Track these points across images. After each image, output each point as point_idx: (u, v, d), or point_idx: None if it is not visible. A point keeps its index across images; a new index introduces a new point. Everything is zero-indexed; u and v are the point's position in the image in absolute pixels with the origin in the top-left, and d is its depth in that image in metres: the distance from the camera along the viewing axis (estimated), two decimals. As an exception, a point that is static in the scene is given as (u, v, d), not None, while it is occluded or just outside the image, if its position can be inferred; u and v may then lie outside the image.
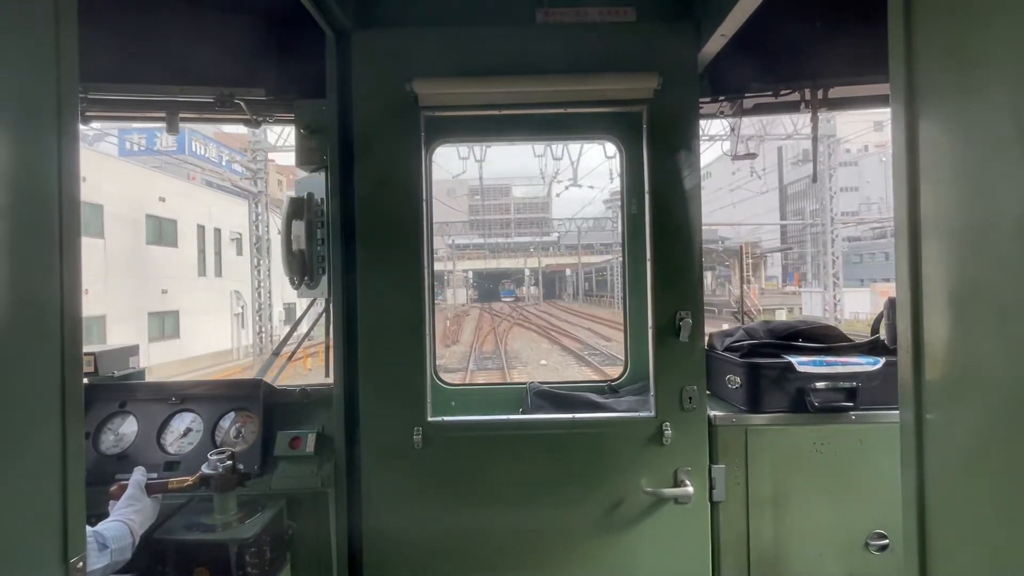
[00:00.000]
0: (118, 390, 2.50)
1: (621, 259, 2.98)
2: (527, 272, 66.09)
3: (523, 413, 2.72)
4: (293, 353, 2.90)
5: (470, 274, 69.42)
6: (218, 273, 27.40)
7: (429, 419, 2.31)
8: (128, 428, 2.41)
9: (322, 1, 2.13)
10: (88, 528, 1.58)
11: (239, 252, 28.55)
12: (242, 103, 2.70)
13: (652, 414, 2.31)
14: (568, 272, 70.38)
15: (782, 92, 2.74)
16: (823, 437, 2.31)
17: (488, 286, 79.28)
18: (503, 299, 70.56)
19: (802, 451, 2.31)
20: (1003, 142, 0.82)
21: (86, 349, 2.50)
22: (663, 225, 2.32)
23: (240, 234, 27.85)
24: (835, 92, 2.75)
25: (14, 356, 0.91)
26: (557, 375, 17.87)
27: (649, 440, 2.30)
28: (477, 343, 27.12)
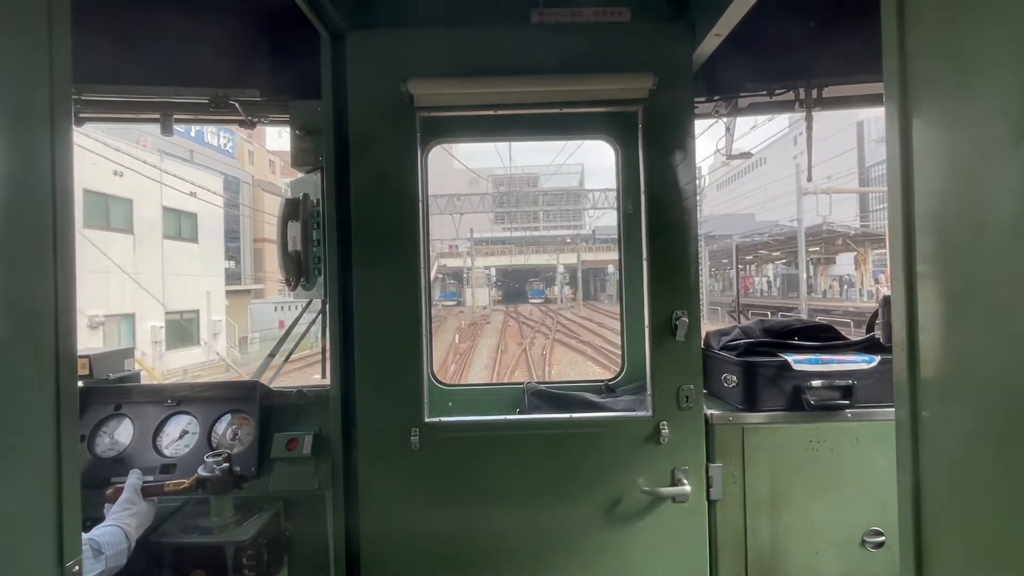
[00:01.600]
0: (113, 393, 2.49)
1: (618, 257, 2.99)
2: (561, 268, 56.82)
3: (520, 413, 2.72)
4: (288, 356, 2.89)
5: (492, 271, 60.15)
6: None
7: (426, 420, 2.31)
8: (123, 431, 2.40)
9: (317, 2, 2.12)
10: (83, 535, 1.57)
11: None
12: (237, 104, 2.69)
13: (649, 413, 2.32)
14: (611, 268, 57.24)
15: (776, 91, 2.75)
16: (819, 435, 2.32)
17: (514, 285, 67.96)
18: (531, 300, 61.18)
19: (798, 449, 2.32)
20: (996, 141, 0.83)
21: (81, 352, 2.48)
22: (659, 225, 2.33)
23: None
24: (829, 91, 2.77)
25: (7, 358, 0.90)
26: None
27: (646, 439, 2.30)
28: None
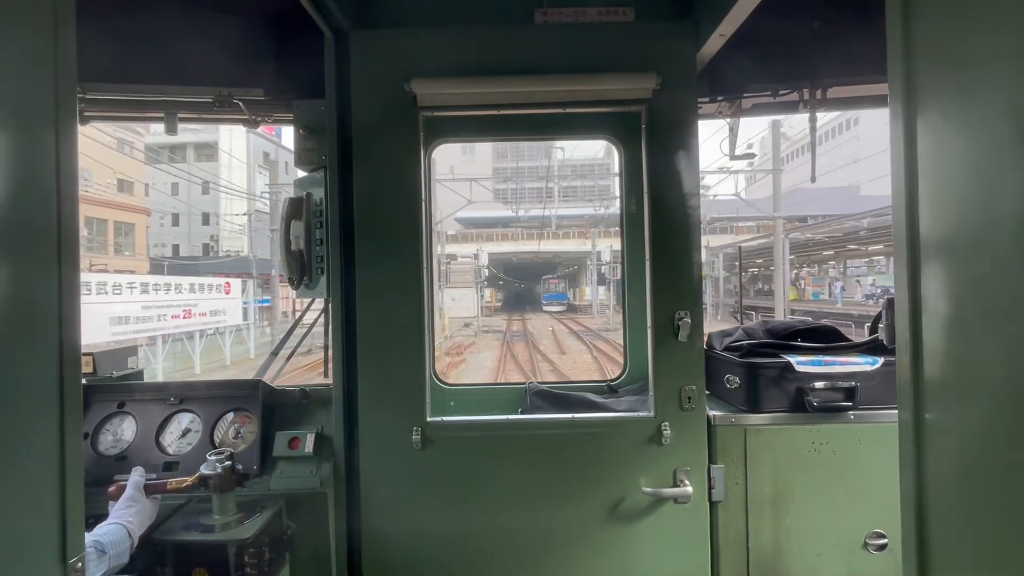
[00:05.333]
0: (117, 390, 2.50)
1: (620, 250, 2.97)
2: (606, 256, 35.15)
3: (522, 413, 2.72)
4: (292, 354, 2.90)
5: (482, 258, 37.44)
6: None
7: (428, 419, 2.31)
8: (127, 428, 2.41)
9: (320, 1, 2.13)
10: (87, 537, 1.57)
11: None
12: (241, 103, 2.70)
13: (651, 414, 2.31)
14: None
15: (781, 92, 2.74)
16: (822, 437, 2.31)
17: (519, 286, 50.31)
18: (545, 307, 43.29)
19: (801, 451, 2.32)
20: (1002, 141, 0.82)
21: (84, 349, 2.49)
22: (662, 225, 2.32)
23: None
24: (834, 92, 2.76)
25: (12, 356, 0.91)
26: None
27: (648, 440, 2.30)
28: None
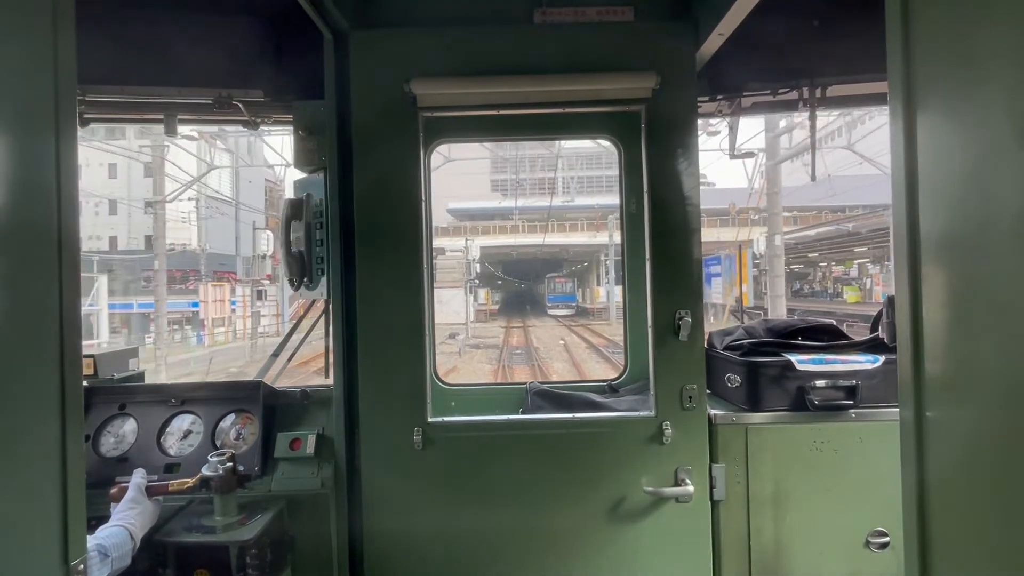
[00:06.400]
0: (118, 392, 2.50)
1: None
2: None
3: (523, 413, 2.72)
4: (292, 356, 2.90)
5: (473, 252, 32.11)
6: None
7: (429, 420, 2.31)
8: (128, 430, 2.41)
9: (320, 2, 2.13)
10: (90, 541, 1.57)
11: None
12: (240, 105, 2.70)
13: (652, 413, 2.31)
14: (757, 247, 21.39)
15: (780, 91, 2.74)
16: (823, 435, 2.31)
17: (519, 286, 44.74)
18: (550, 310, 38.60)
19: (802, 449, 2.32)
20: (1001, 140, 0.82)
21: (85, 351, 2.49)
22: (662, 224, 2.32)
23: None
24: (833, 90, 2.76)
25: (13, 358, 0.91)
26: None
27: (649, 439, 2.30)
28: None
